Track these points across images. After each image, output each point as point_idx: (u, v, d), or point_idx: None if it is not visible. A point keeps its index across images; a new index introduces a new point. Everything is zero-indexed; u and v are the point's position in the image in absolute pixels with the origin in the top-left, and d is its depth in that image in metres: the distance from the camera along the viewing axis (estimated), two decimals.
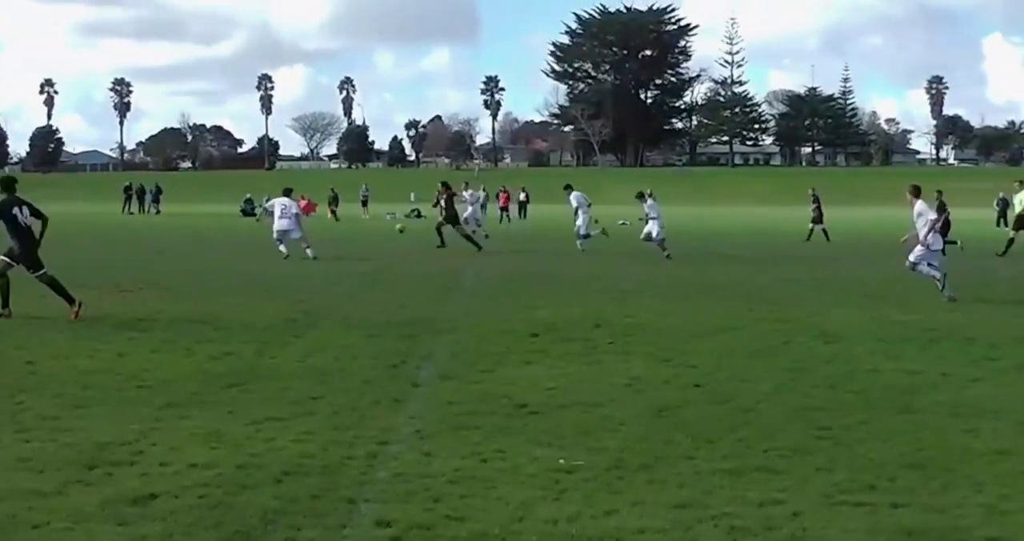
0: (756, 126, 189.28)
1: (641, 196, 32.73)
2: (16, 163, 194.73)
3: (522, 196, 71.56)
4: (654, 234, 31.45)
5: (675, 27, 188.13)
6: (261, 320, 16.50)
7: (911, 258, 20.59)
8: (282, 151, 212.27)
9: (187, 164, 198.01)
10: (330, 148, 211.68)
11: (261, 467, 7.91)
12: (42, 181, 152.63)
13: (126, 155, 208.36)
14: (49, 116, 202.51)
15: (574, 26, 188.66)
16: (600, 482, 7.66)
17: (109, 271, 25.57)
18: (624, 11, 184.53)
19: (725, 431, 9.29)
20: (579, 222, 35.06)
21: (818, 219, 42.64)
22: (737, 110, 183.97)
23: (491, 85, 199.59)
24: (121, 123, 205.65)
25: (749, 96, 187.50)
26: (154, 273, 25.25)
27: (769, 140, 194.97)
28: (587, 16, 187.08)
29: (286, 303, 18.91)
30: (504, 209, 65.71)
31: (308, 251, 30.06)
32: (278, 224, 31.04)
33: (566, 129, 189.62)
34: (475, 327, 15.99)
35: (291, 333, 15.10)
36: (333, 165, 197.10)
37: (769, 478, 7.78)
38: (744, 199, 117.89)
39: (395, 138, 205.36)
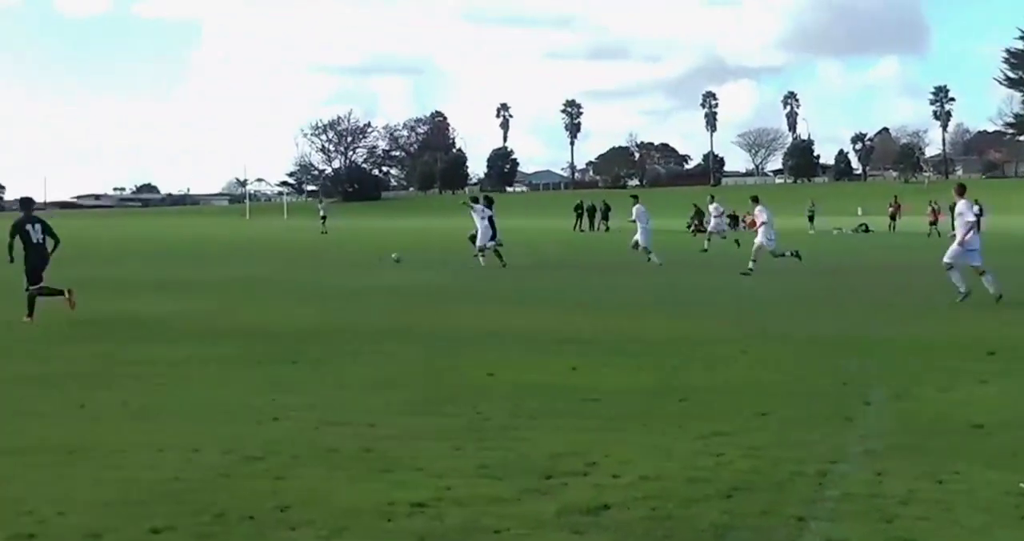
0: None
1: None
2: (475, 183, 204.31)
3: (975, 209, 68.78)
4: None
5: None
6: (702, 334, 16.62)
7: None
8: (727, 167, 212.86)
9: (635, 182, 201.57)
10: (775, 163, 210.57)
11: (709, 481, 7.96)
12: (499, 200, 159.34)
13: (576, 174, 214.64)
14: (505, 138, 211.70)
15: None
16: None
17: (556, 289, 26.42)
18: None
19: None
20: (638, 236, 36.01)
21: None
22: None
23: (940, 95, 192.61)
24: (572, 143, 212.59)
25: None
26: (596, 289, 25.87)
27: None
28: None
29: (727, 318, 18.97)
30: (933, 224, 63.55)
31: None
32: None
33: (1022, 138, 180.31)
34: (923, 344, 15.48)
35: (737, 348, 15.11)
36: (778, 180, 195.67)
37: None
38: None
39: (841, 152, 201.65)
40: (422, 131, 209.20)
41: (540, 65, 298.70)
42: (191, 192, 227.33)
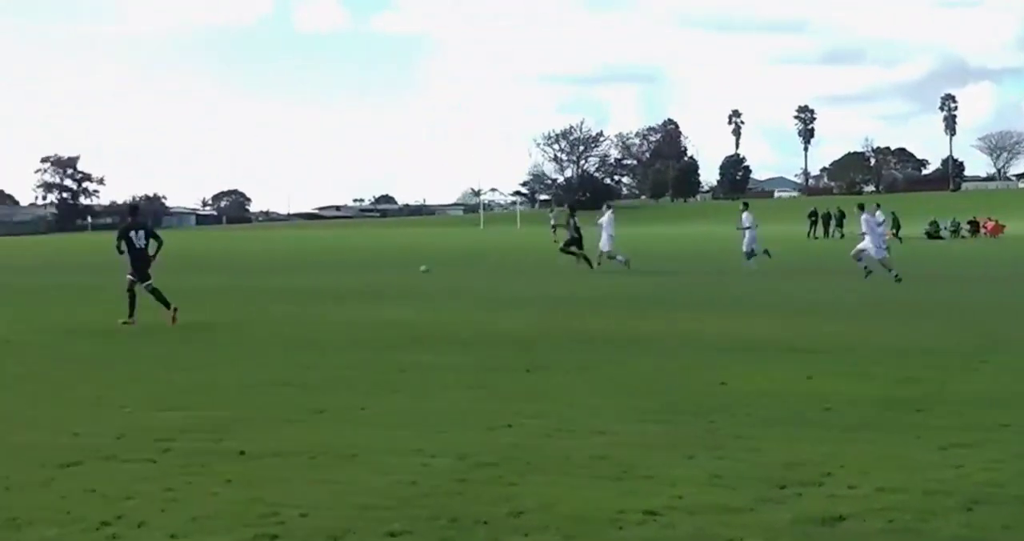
0: None
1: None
2: (707, 191, 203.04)
3: None
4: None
5: None
6: (933, 343, 16.30)
7: None
8: (967, 172, 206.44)
9: (871, 188, 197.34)
10: (1018, 167, 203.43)
11: (949, 494, 7.77)
12: (731, 208, 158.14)
13: (810, 180, 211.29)
14: (737, 145, 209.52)
15: None
16: None
17: (786, 296, 26.10)
18: None
19: None
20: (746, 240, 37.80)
21: None
22: None
23: None
24: (805, 149, 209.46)
25: None
26: (826, 297, 25.46)
27: None
28: None
29: (967, 328, 18.46)
30: None
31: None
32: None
33: None
34: None
35: (978, 358, 14.70)
36: (1021, 185, 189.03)
37: None
38: None
39: None
40: (654, 139, 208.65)
41: (772, 71, 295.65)
42: (427, 202, 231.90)
